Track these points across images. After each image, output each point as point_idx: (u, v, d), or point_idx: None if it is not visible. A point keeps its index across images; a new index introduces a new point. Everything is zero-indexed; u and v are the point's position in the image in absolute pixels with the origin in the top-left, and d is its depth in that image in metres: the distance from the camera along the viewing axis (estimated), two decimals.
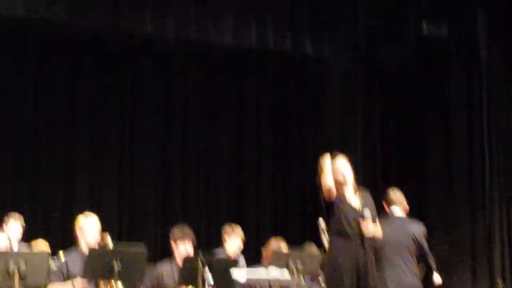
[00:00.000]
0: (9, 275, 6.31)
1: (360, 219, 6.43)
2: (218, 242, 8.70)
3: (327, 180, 6.25)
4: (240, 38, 9.78)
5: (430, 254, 7.50)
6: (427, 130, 11.49)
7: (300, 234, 10.42)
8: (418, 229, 7.48)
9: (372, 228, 6.40)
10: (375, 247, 6.68)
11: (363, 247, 6.31)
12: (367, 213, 6.36)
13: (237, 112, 11.42)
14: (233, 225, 8.58)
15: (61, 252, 7.62)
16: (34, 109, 10.38)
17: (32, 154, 10.30)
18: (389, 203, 7.56)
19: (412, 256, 7.33)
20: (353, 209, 6.44)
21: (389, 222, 7.38)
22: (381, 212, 7.65)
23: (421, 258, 7.43)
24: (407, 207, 7.71)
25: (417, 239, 7.37)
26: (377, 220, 6.61)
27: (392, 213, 7.53)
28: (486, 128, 10.86)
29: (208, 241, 9.72)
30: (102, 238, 7.12)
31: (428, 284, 7.70)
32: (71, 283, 6.85)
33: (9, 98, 10.17)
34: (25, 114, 10.31)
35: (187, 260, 7.03)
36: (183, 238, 7.53)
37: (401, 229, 7.36)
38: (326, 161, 6.34)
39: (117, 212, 10.51)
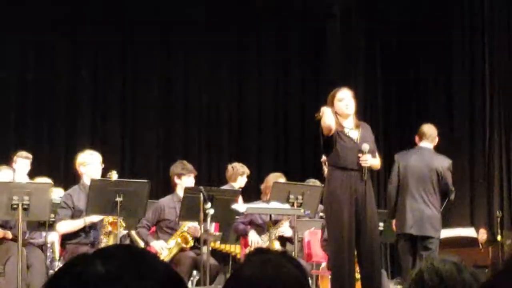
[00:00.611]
0: (12, 207, 6.42)
1: (360, 153, 6.39)
2: (220, 178, 8.78)
3: (328, 119, 6.22)
4: None
5: (453, 188, 7.57)
6: (429, 65, 11.49)
7: (301, 172, 10.50)
8: (443, 162, 7.51)
9: (370, 160, 6.38)
10: None
11: (362, 179, 6.31)
12: (365, 147, 6.33)
13: (238, 51, 11.44)
14: (242, 164, 8.68)
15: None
16: (37, 51, 10.45)
17: (35, 95, 10.39)
18: (421, 137, 7.59)
19: (434, 189, 7.37)
20: (352, 141, 6.42)
21: (415, 154, 7.48)
22: (410, 145, 7.73)
23: (443, 191, 7.47)
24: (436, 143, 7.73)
25: (441, 173, 7.41)
26: (377, 154, 6.60)
27: (420, 147, 7.56)
28: (487, 54, 10.89)
29: (209, 178, 9.81)
30: (109, 176, 7.18)
31: (447, 216, 7.82)
32: (82, 220, 6.93)
33: (12, 42, 10.25)
34: (28, 57, 10.40)
35: (188, 193, 7.10)
36: (187, 172, 7.59)
37: (426, 162, 7.39)
38: (325, 108, 6.30)
39: (120, 150, 10.61)
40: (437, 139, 7.62)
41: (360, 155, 6.33)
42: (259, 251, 1.93)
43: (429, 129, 7.61)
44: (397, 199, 7.39)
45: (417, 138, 7.61)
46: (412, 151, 7.55)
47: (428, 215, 7.28)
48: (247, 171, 8.65)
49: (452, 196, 7.57)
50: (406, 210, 7.27)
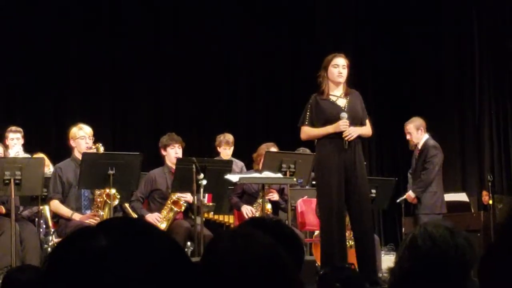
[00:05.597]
0: (4, 182, 6.43)
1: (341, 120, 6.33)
2: (211, 150, 8.77)
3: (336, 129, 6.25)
4: None
5: None
6: (418, 33, 11.52)
7: (292, 143, 10.51)
8: None
9: (356, 131, 6.33)
10: None
11: (349, 145, 6.30)
12: (343, 115, 6.29)
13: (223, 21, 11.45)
14: (226, 134, 8.64)
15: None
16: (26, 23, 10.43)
17: (25, 71, 10.36)
18: (425, 130, 8.31)
19: None
20: (336, 107, 6.40)
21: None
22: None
23: None
24: None
25: None
26: (367, 122, 6.58)
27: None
28: (475, 23, 10.94)
29: (201, 150, 9.81)
30: (96, 149, 7.18)
31: None
32: (70, 212, 6.98)
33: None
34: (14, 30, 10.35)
35: (180, 164, 7.10)
36: (171, 143, 7.60)
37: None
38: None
39: (110, 124, 10.60)
40: None
41: (344, 125, 6.27)
42: (253, 220, 1.94)
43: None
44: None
45: (421, 132, 8.22)
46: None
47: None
48: (224, 141, 8.49)
49: None
50: (442, 193, 8.11)
